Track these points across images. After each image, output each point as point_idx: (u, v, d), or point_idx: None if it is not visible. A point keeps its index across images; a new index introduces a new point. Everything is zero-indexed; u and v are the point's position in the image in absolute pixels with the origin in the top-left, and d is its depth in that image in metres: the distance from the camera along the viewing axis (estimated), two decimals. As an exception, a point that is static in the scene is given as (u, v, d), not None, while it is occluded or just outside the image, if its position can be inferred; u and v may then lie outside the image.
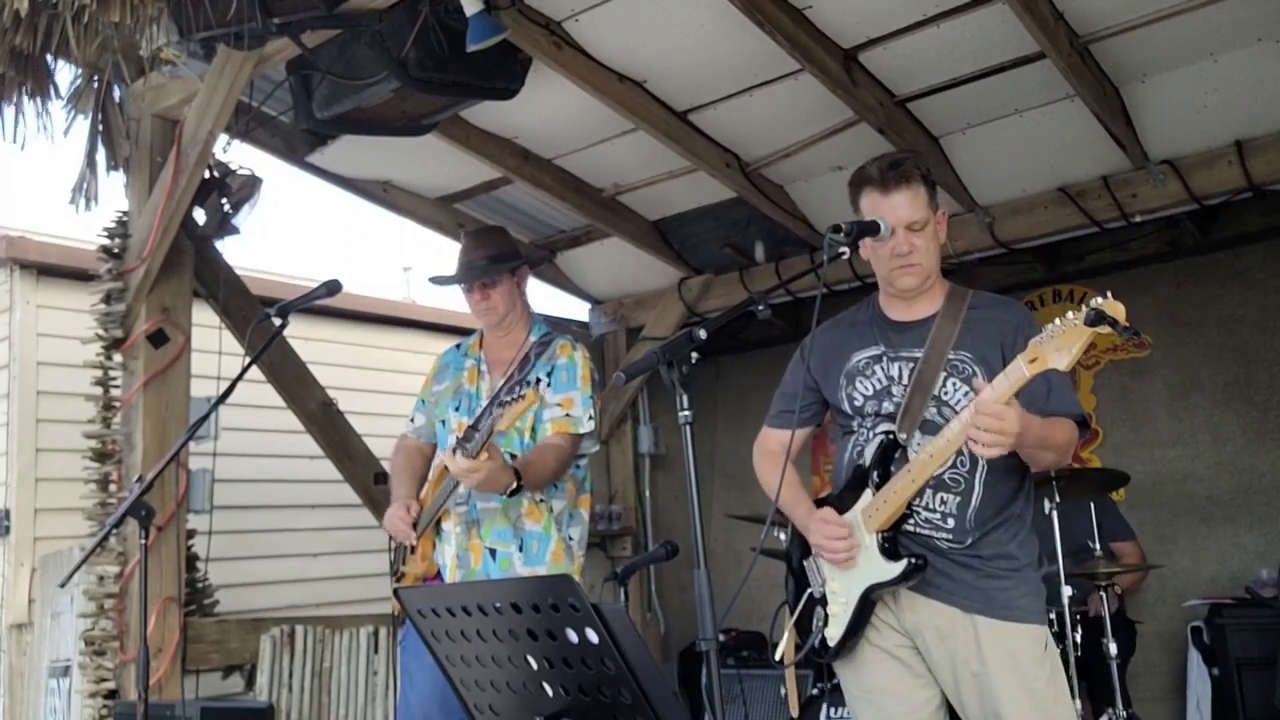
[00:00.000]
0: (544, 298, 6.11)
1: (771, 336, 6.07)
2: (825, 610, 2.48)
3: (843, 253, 2.36)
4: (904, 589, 2.39)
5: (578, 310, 6.24)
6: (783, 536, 4.45)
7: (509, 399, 2.67)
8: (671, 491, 6.15)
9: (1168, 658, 4.93)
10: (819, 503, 2.53)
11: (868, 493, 2.42)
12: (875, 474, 2.41)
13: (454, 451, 2.80)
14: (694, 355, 2.04)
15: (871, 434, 2.49)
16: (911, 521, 2.39)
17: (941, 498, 2.40)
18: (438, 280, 3.29)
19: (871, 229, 2.39)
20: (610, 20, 3.62)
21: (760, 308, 2.23)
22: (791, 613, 2.60)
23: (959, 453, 2.34)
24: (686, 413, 2.00)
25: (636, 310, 5.97)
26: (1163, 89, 3.99)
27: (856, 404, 2.53)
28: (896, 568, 2.34)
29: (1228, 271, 5.12)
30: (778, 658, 2.65)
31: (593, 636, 1.68)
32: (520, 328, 3.23)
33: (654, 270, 5.59)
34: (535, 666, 1.81)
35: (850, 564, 2.41)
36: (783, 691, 4.40)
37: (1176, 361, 5.19)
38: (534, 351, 3.13)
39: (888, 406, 2.47)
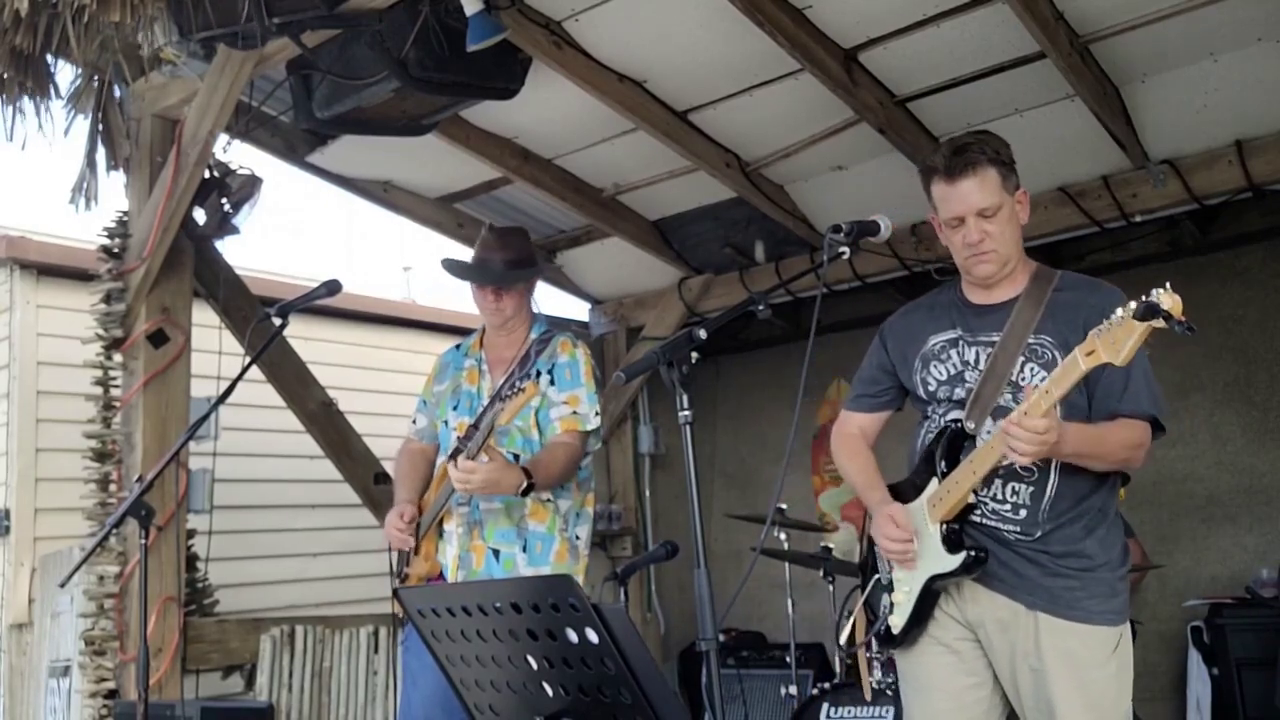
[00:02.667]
0: (544, 298, 6.12)
1: (771, 336, 6.07)
2: (890, 598, 2.46)
3: (843, 253, 2.34)
4: (968, 580, 2.35)
5: (578, 310, 6.25)
6: (783, 536, 4.49)
7: (509, 394, 2.67)
8: (671, 491, 6.15)
9: (1168, 658, 4.92)
10: (893, 490, 2.49)
11: (934, 482, 2.38)
12: (942, 463, 2.36)
13: (453, 458, 2.80)
14: (694, 355, 2.04)
15: (942, 420, 2.44)
16: (978, 512, 2.35)
17: (1012, 488, 2.34)
18: (451, 268, 3.22)
19: (871, 229, 2.38)
20: (610, 20, 3.62)
21: (760, 308, 2.22)
22: (862, 592, 2.58)
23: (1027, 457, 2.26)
24: (686, 413, 2.00)
25: (636, 310, 5.96)
26: (1163, 89, 3.99)
27: (930, 389, 2.48)
28: (955, 560, 2.31)
29: (1228, 271, 5.12)
30: (842, 640, 2.65)
31: (593, 636, 1.68)
32: (521, 326, 3.23)
33: (654, 270, 5.59)
34: (535, 666, 1.81)
35: (907, 567, 2.39)
36: (788, 689, 4.40)
37: (1176, 361, 5.18)
38: (534, 349, 3.14)
39: (960, 392, 2.41)
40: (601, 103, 3.96)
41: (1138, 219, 4.52)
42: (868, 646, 2.65)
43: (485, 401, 3.11)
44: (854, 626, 2.64)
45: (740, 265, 5.46)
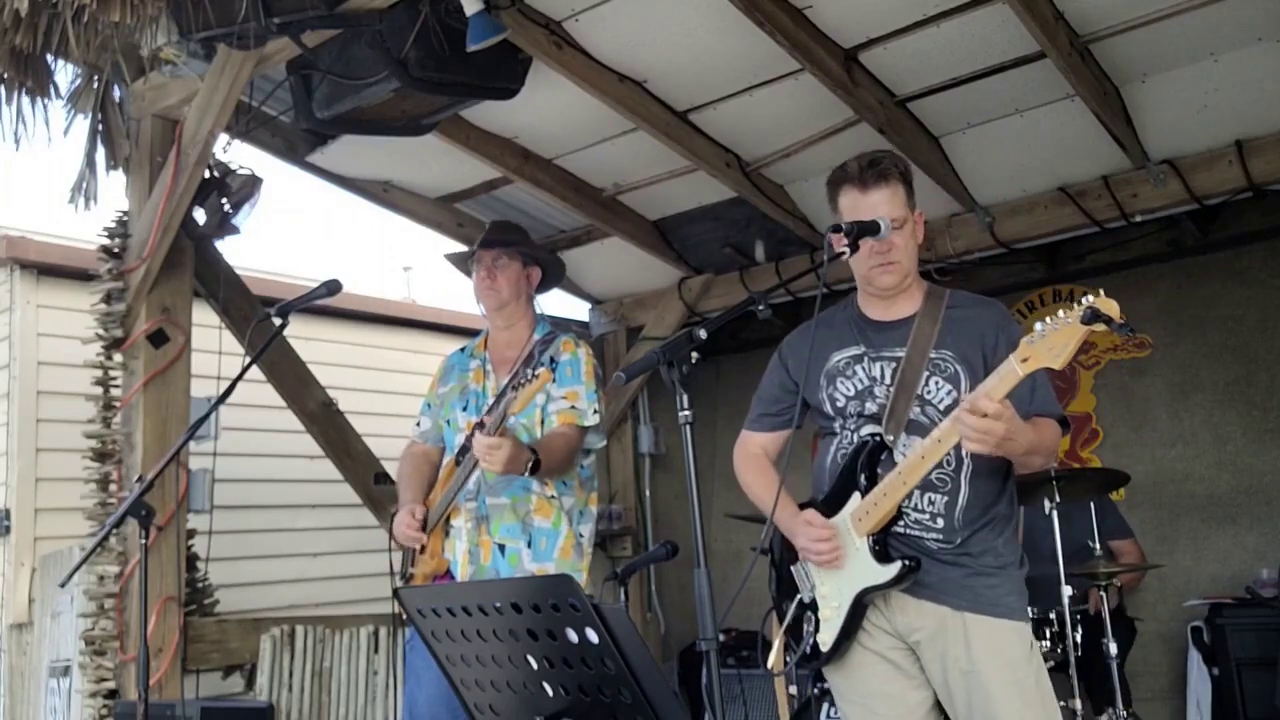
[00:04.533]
0: (544, 298, 6.10)
1: (771, 336, 5.98)
2: (816, 615, 2.47)
3: (843, 253, 2.36)
4: (895, 591, 2.38)
5: (578, 310, 6.25)
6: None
7: (522, 382, 2.69)
8: (671, 491, 6.15)
9: (1168, 658, 4.93)
10: (804, 507, 2.51)
11: (855, 496, 2.40)
12: (862, 477, 2.39)
13: (459, 457, 2.82)
14: (694, 355, 2.04)
15: (855, 435, 2.47)
16: (901, 523, 2.38)
17: (930, 498, 2.39)
18: (451, 257, 3.35)
19: (872, 229, 2.39)
20: (610, 20, 3.62)
21: (760, 308, 2.23)
22: (780, 620, 2.58)
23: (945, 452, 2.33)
24: (686, 413, 2.00)
25: (636, 310, 5.97)
26: (1163, 89, 3.99)
27: (839, 405, 2.51)
28: (890, 570, 2.33)
29: (1228, 271, 5.12)
30: (769, 665, 2.65)
31: (593, 636, 1.68)
32: (524, 325, 3.28)
33: (654, 270, 5.59)
34: (535, 666, 1.81)
35: (835, 566, 2.40)
36: (788, 689, 4.41)
37: (1177, 361, 5.19)
38: (537, 349, 3.16)
39: (870, 407, 2.46)
40: (601, 103, 3.96)
41: (1138, 219, 4.53)
42: (790, 668, 2.64)
43: (490, 399, 3.14)
44: (777, 650, 2.62)
45: (740, 265, 5.46)
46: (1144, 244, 5.08)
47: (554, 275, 3.45)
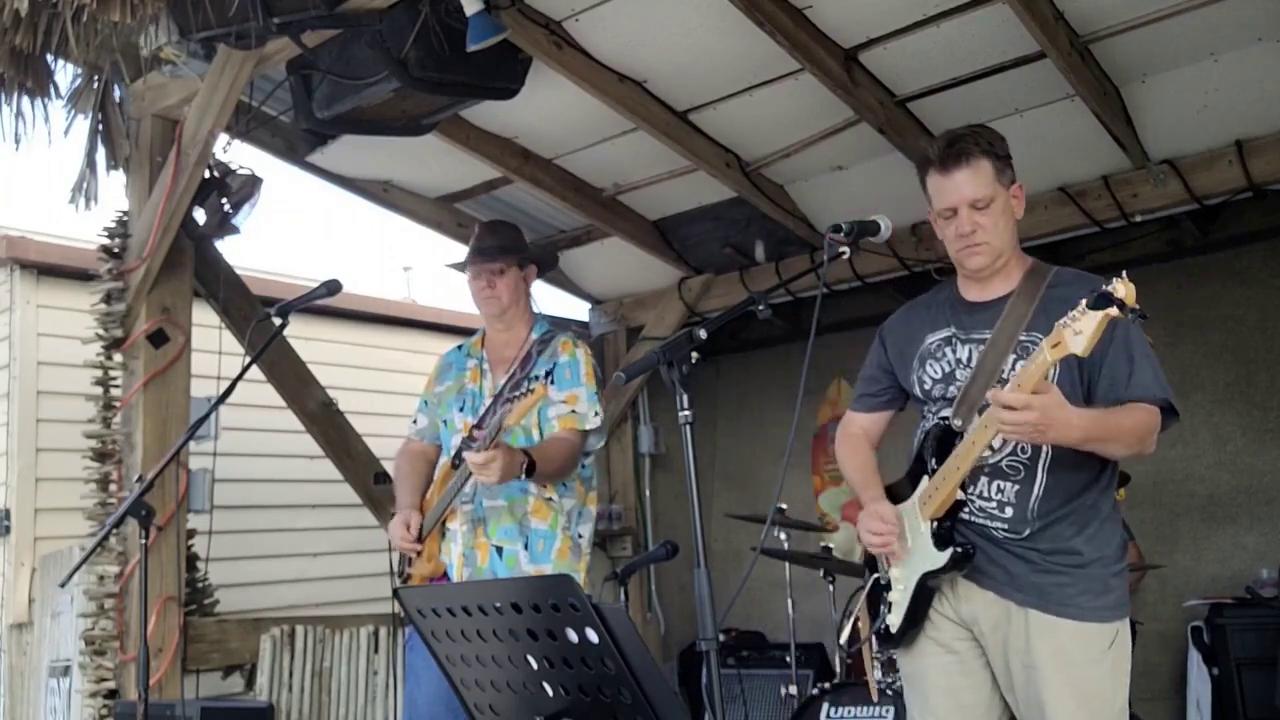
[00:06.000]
0: (544, 298, 6.12)
1: (771, 336, 6.07)
2: (888, 596, 2.47)
3: (843, 253, 2.34)
4: (960, 578, 2.35)
5: (578, 310, 6.25)
6: (783, 536, 4.49)
7: (517, 394, 2.69)
8: (671, 491, 6.15)
9: (1168, 658, 4.92)
10: (888, 489, 2.50)
11: (924, 480, 2.38)
12: (932, 460, 2.36)
13: (456, 461, 2.82)
14: (694, 355, 2.04)
15: (935, 419, 2.44)
16: (967, 510, 2.35)
17: (998, 486, 2.34)
18: (454, 265, 3.32)
19: (871, 229, 2.38)
20: (610, 20, 3.62)
21: (760, 308, 2.23)
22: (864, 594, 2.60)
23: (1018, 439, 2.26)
24: (686, 413, 2.00)
25: (636, 310, 5.97)
26: (1163, 89, 3.99)
27: (925, 388, 2.48)
28: (944, 556, 2.31)
29: (1228, 271, 5.12)
30: (843, 640, 2.65)
31: (593, 636, 1.68)
32: (522, 325, 3.25)
33: (654, 270, 5.59)
34: (535, 666, 1.81)
35: (894, 555, 2.39)
36: (788, 689, 4.40)
37: (1177, 361, 5.18)
38: (535, 349, 3.16)
39: (953, 391, 2.41)
40: (601, 103, 3.97)
41: (1138, 219, 4.53)
42: (870, 646, 2.66)
43: (487, 400, 3.13)
44: (854, 626, 2.65)
45: (740, 265, 5.46)
46: (1144, 244, 5.08)
47: (546, 267, 3.45)
